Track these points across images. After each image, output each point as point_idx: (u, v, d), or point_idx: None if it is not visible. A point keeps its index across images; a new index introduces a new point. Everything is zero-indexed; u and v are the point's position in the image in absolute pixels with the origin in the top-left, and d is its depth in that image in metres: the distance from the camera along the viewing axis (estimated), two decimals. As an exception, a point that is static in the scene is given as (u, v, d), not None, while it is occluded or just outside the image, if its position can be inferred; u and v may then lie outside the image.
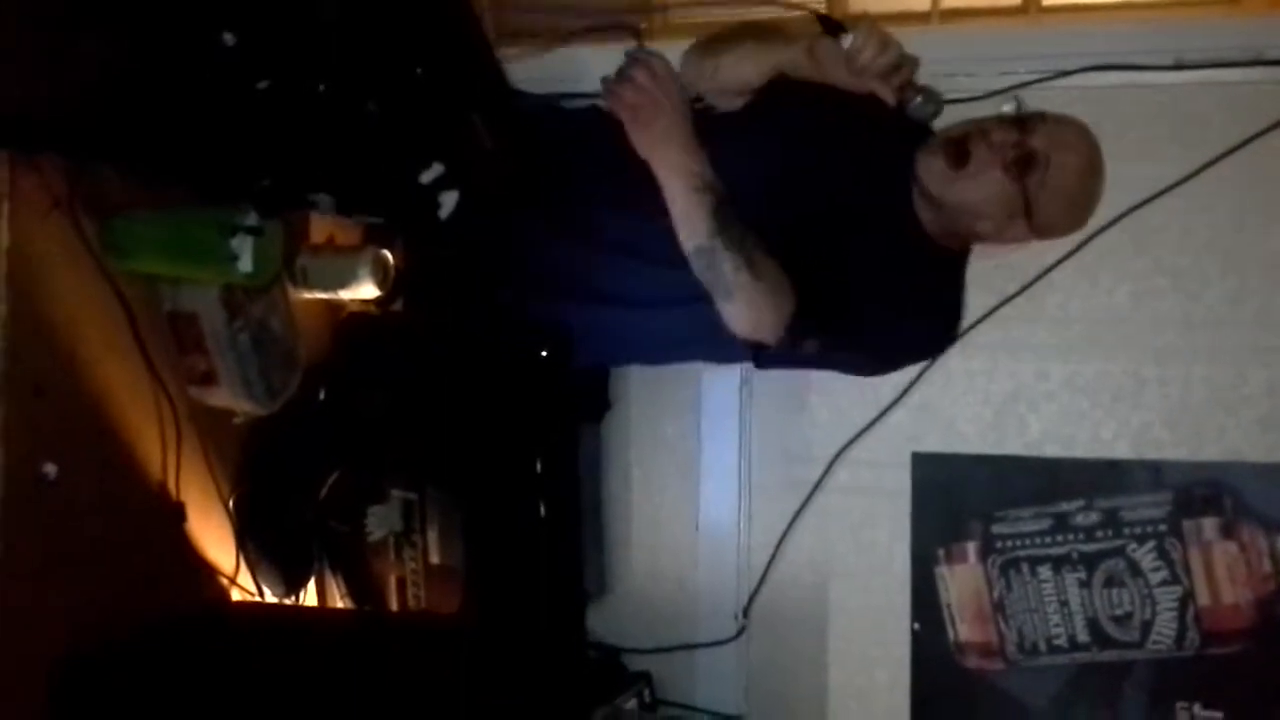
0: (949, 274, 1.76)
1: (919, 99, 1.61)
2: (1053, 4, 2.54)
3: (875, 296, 1.64)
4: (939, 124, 1.73)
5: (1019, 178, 1.58)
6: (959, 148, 1.61)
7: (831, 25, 1.57)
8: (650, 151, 1.52)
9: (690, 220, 1.52)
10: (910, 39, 2.48)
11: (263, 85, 1.16)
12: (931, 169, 1.64)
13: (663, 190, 1.53)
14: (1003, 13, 2.57)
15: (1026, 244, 1.72)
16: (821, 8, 2.64)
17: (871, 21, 1.59)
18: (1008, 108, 1.67)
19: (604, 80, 1.52)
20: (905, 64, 1.59)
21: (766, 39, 1.78)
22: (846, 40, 1.56)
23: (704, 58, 1.83)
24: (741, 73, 1.79)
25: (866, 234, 1.68)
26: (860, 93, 1.64)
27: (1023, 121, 1.61)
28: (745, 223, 1.53)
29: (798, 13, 1.73)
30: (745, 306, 1.54)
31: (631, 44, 1.52)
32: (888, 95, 1.60)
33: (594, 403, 2.37)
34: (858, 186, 1.70)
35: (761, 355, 1.70)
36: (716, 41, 1.85)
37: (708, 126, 1.60)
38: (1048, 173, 1.58)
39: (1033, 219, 1.63)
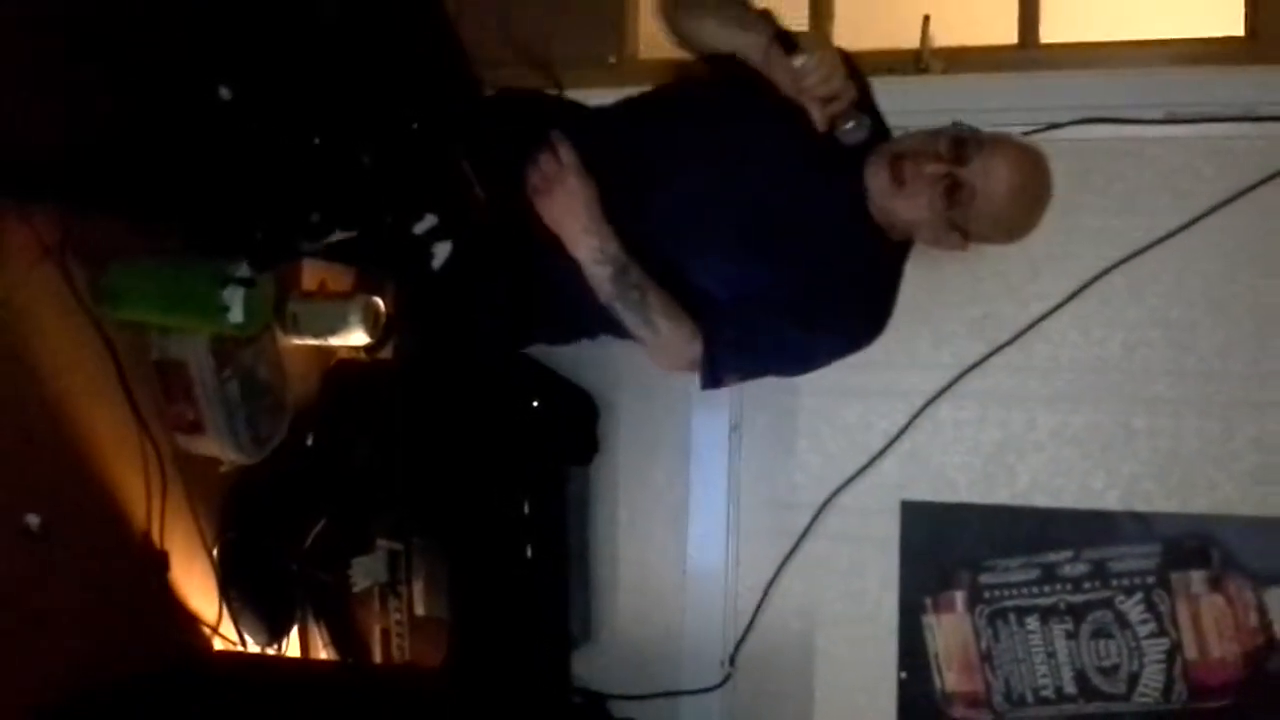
0: (892, 261, 1.80)
1: (849, 124, 1.66)
2: (1051, 42, 2.54)
3: (806, 299, 1.69)
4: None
5: (946, 207, 1.64)
6: (895, 171, 1.66)
7: (787, 43, 1.61)
8: (555, 225, 1.65)
9: (595, 285, 1.65)
10: (901, 87, 2.52)
11: (258, 138, 1.15)
12: (876, 180, 1.69)
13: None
14: (1000, 51, 2.57)
15: (966, 249, 1.77)
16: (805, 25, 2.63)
17: (825, 47, 1.64)
18: (949, 128, 1.68)
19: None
20: (843, 95, 1.64)
21: (737, 21, 1.77)
22: (798, 60, 1.60)
23: (688, 16, 1.82)
24: (715, 44, 1.80)
25: (821, 215, 1.73)
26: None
27: (959, 148, 1.64)
28: (644, 282, 1.65)
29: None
30: (652, 351, 1.71)
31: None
32: (820, 118, 1.65)
33: (581, 445, 2.35)
34: (815, 176, 1.74)
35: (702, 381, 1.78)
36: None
37: (670, 102, 1.77)
38: (974, 201, 1.64)
39: (967, 236, 1.71)
